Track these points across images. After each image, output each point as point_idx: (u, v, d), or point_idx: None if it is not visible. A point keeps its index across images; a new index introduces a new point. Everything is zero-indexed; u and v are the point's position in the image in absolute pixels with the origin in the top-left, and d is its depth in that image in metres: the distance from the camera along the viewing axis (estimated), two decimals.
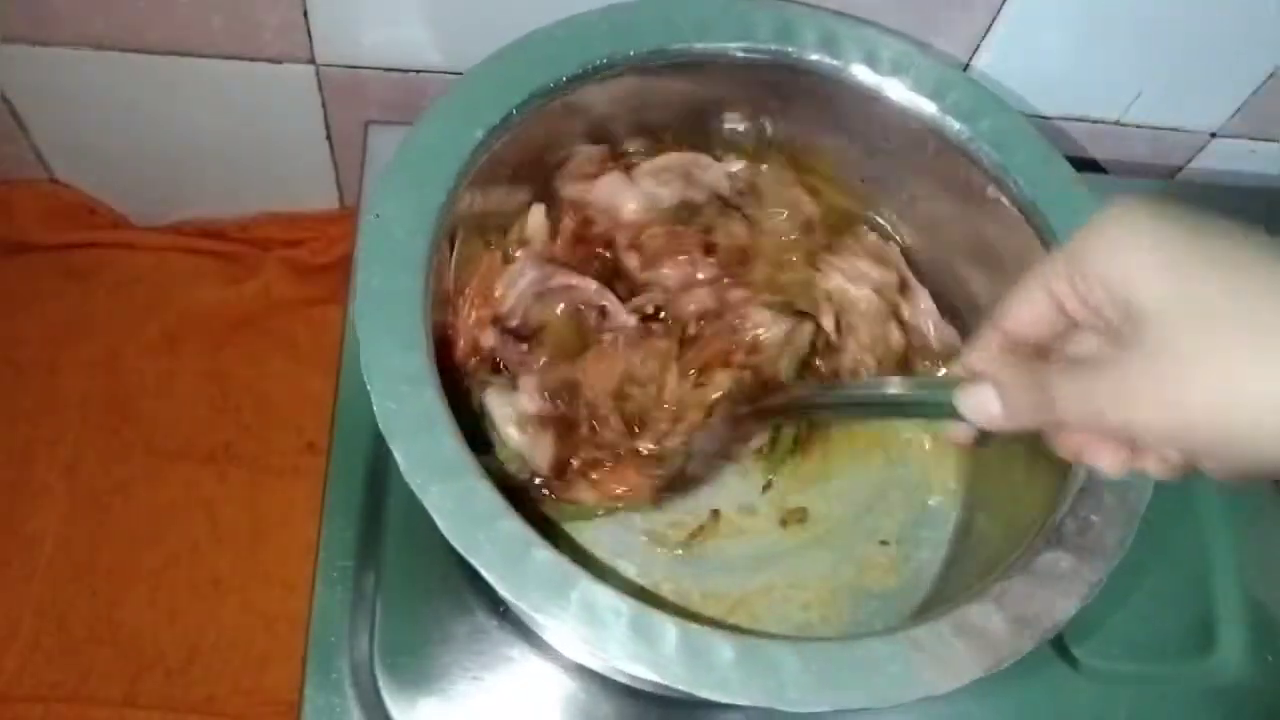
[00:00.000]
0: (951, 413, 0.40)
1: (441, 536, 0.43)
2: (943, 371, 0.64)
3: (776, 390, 0.60)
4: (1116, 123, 0.76)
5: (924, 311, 0.64)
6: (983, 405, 0.39)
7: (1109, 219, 0.36)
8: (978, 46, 0.69)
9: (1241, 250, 0.34)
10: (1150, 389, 0.34)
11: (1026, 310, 0.40)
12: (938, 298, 0.65)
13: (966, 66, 0.70)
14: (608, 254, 0.63)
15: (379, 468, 0.58)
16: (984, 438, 0.43)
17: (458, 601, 0.56)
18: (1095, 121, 0.76)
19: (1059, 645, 0.61)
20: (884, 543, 0.61)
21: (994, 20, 0.67)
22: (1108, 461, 0.39)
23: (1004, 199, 0.58)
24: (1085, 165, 0.78)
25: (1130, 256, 0.35)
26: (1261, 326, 0.32)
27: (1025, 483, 0.55)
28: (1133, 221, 0.35)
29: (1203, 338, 0.33)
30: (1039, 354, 0.41)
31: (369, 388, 0.45)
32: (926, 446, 0.63)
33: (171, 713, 0.73)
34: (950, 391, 0.41)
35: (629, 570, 0.58)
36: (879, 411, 0.58)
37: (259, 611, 0.76)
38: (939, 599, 0.56)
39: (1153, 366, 0.34)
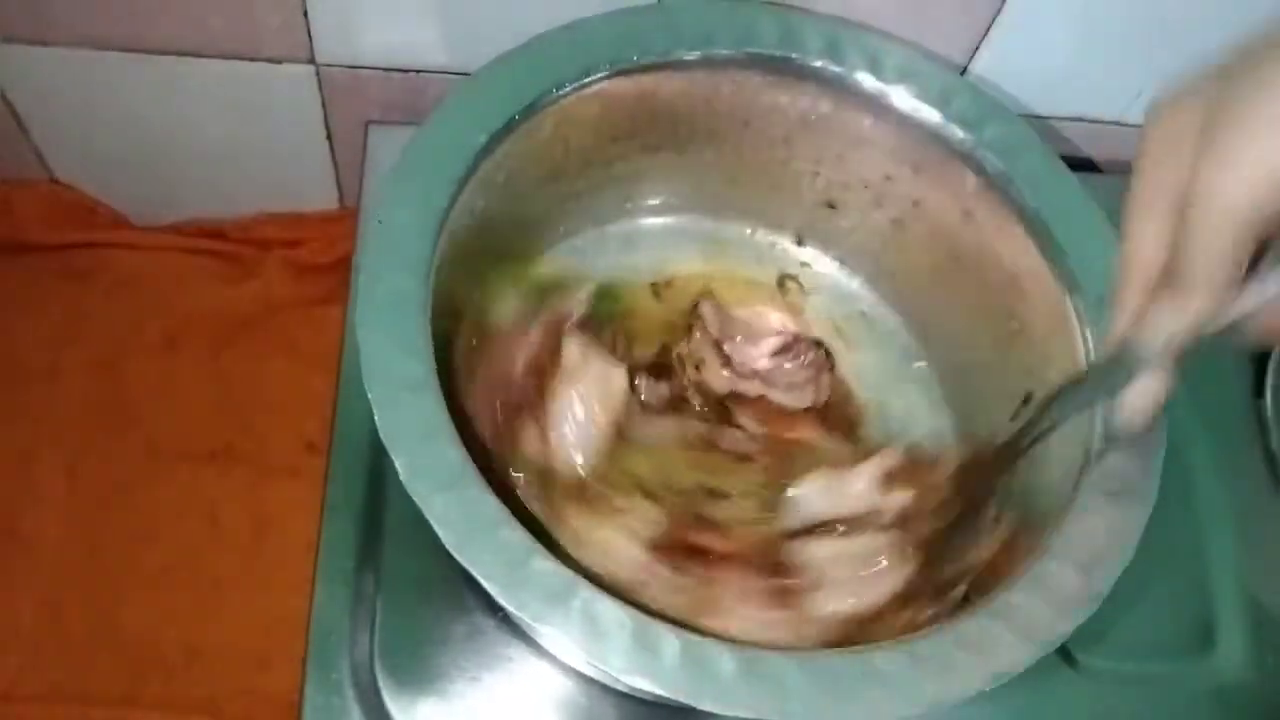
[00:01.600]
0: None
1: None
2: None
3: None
4: (1116, 123, 0.75)
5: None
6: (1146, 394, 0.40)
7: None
8: (977, 47, 0.68)
9: None
10: None
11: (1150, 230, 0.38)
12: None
13: (965, 67, 0.70)
14: None
15: (379, 468, 0.58)
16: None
17: (457, 602, 0.56)
18: (1094, 121, 0.75)
19: (1059, 646, 0.61)
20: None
21: (993, 20, 0.66)
22: None
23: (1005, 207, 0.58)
24: (1081, 165, 0.78)
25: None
26: None
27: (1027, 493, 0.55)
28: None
29: None
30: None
31: (369, 395, 0.45)
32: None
33: (172, 713, 0.73)
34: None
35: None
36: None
37: (259, 611, 0.76)
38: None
39: None
